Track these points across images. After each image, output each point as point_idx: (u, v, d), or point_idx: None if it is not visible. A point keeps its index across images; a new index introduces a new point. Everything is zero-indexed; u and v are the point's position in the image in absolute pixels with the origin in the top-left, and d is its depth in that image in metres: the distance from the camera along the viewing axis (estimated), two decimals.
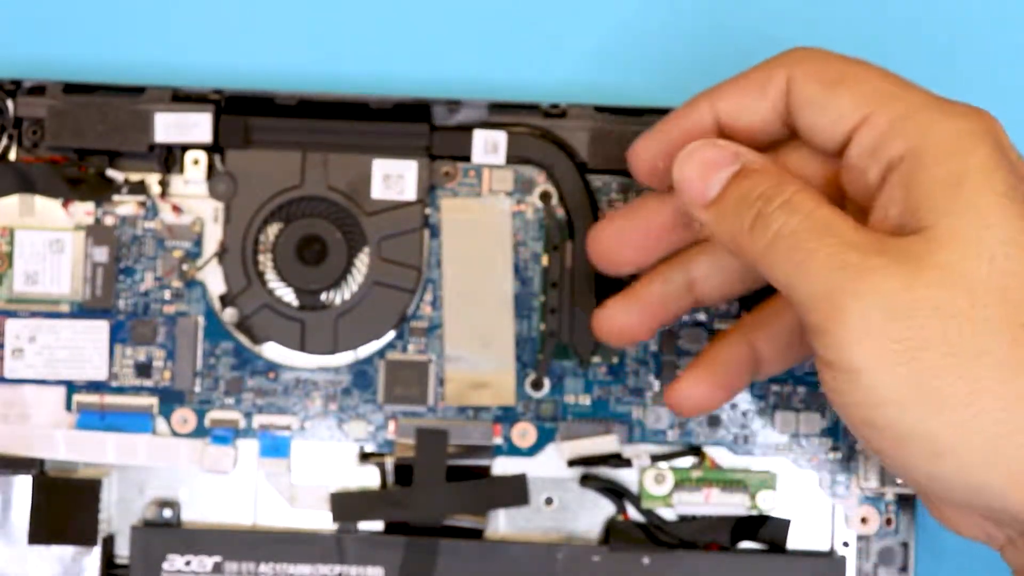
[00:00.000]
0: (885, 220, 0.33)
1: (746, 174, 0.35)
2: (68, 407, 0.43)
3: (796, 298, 0.33)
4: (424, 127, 0.42)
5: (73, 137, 0.42)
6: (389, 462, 0.43)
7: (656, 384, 0.43)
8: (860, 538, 0.43)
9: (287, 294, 0.43)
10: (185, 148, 0.43)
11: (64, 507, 0.42)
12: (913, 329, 0.31)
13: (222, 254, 0.43)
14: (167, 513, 0.43)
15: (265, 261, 0.43)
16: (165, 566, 0.42)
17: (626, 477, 0.43)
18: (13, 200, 0.43)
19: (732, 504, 0.42)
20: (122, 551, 0.43)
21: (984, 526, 0.35)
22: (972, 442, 0.31)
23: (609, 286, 0.42)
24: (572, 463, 0.43)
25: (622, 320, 0.39)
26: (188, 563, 0.42)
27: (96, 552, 0.43)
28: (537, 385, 0.43)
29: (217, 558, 0.42)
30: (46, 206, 0.43)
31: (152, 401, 0.43)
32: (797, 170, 0.36)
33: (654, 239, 0.39)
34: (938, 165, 0.33)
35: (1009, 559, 0.35)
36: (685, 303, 0.39)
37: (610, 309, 0.40)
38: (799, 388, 0.43)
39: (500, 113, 0.43)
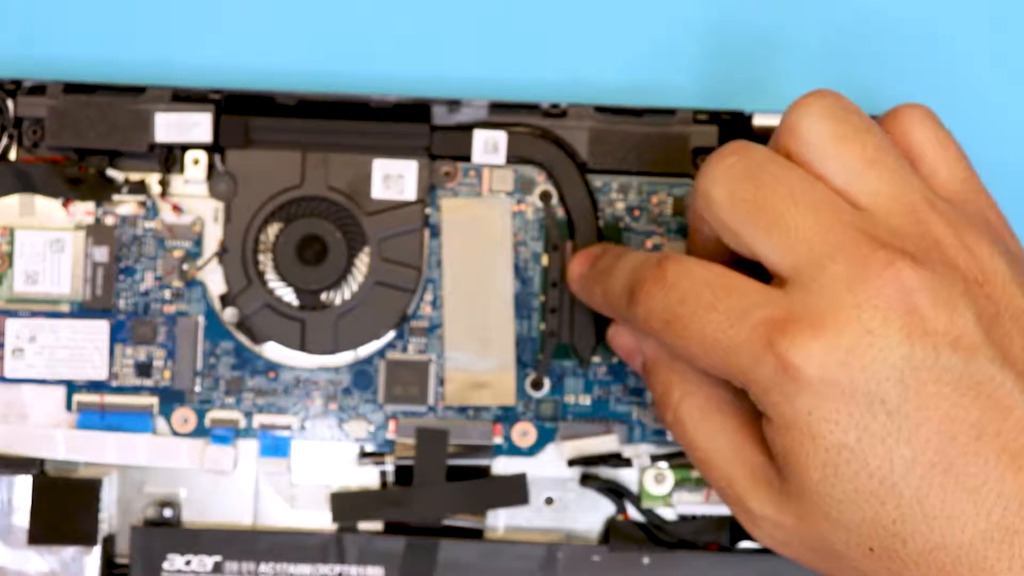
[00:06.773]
0: None
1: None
2: (68, 407, 0.43)
3: None
4: (424, 127, 0.42)
5: (73, 137, 0.42)
6: (389, 462, 0.43)
7: None
8: None
9: (287, 294, 0.43)
10: (185, 148, 0.43)
11: (64, 507, 0.42)
12: None
13: (222, 254, 0.43)
14: (167, 513, 0.43)
15: (265, 261, 0.43)
16: (165, 566, 0.42)
17: (626, 477, 0.43)
18: (13, 200, 0.43)
19: None
20: (122, 551, 0.43)
21: None
22: None
23: None
24: (572, 463, 0.43)
25: (629, 341, 0.40)
26: (188, 563, 0.42)
27: (96, 552, 0.43)
28: (537, 385, 0.43)
29: (217, 558, 0.42)
30: (46, 206, 0.43)
31: (152, 401, 0.43)
32: None
33: None
34: None
35: None
36: None
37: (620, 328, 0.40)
38: None
39: (500, 113, 0.43)
